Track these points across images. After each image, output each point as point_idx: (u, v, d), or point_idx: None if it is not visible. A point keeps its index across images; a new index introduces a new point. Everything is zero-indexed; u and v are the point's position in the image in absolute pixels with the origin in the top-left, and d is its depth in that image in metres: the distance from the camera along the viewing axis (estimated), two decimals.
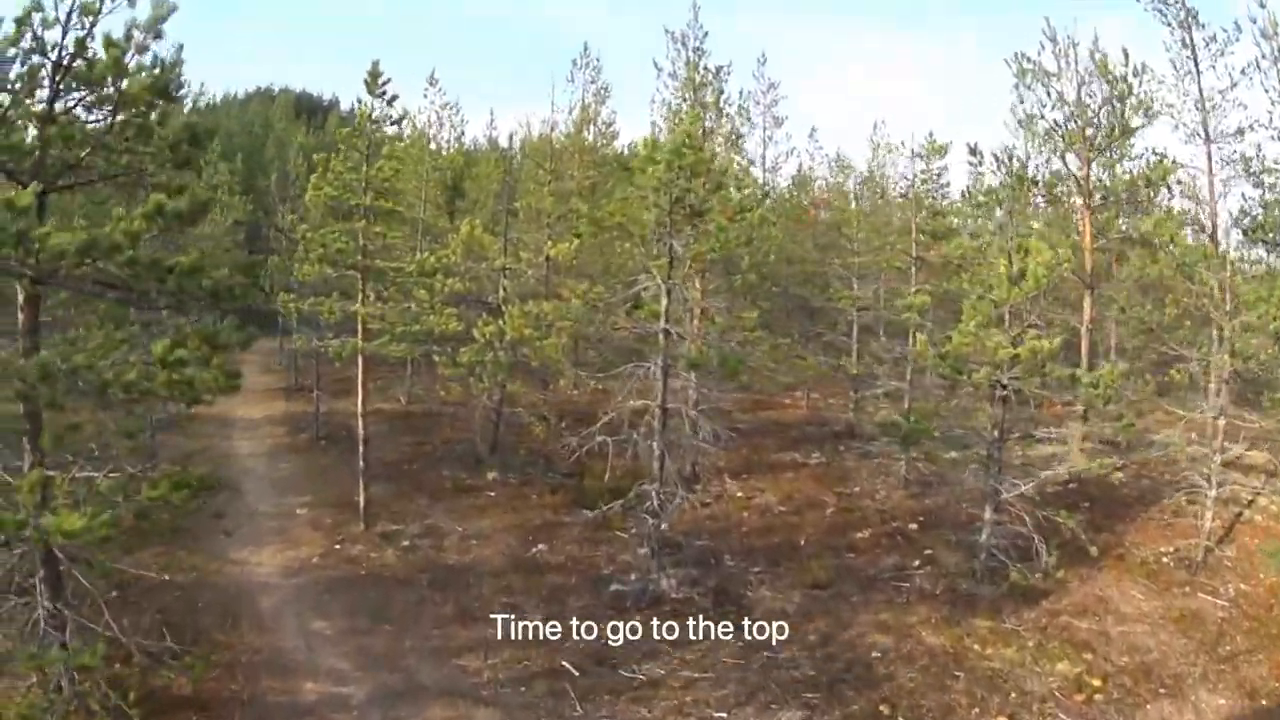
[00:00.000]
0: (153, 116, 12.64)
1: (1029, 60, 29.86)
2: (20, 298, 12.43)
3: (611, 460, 20.93)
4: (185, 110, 51.37)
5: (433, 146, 48.64)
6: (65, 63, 12.15)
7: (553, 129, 39.51)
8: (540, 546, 22.95)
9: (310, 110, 66.33)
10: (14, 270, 11.53)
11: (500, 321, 26.28)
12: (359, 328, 24.06)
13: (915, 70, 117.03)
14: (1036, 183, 31.10)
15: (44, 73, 12.22)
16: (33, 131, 12.18)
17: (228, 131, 58.80)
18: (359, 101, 23.61)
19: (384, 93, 23.39)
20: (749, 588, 20.74)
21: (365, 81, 23.19)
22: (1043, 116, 29.96)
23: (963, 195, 37.86)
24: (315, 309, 24.79)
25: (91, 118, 12.75)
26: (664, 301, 20.16)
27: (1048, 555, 19.59)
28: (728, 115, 34.99)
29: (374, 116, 23.61)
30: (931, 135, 32.97)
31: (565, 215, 33.38)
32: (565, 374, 29.21)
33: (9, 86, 11.87)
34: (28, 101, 11.99)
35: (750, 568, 21.84)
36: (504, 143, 55.29)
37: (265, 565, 21.22)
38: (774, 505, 26.35)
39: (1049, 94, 29.68)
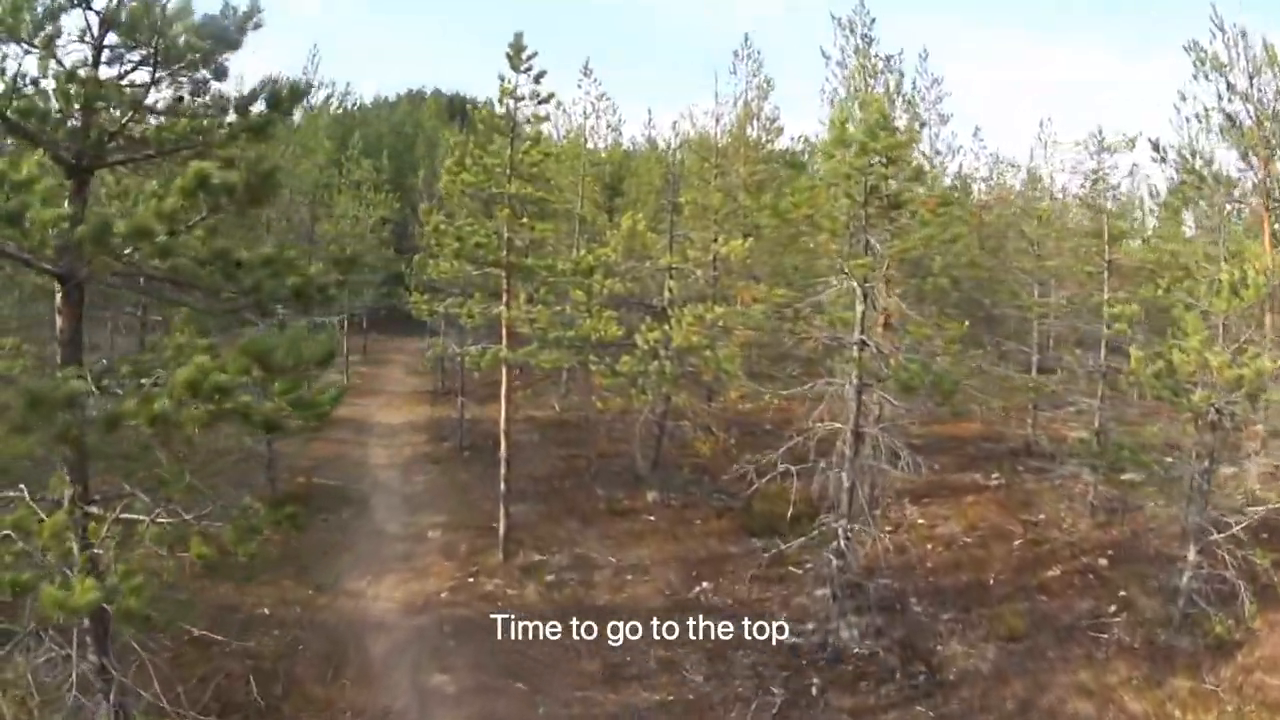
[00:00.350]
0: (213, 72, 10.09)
1: (1202, 50, 27.46)
2: (58, 298, 10.08)
3: (795, 493, 18.72)
4: (331, 110, 51.94)
5: (589, 145, 46.36)
6: (109, 16, 9.77)
7: (717, 121, 36.85)
8: (704, 585, 20.60)
9: (463, 111, 65.56)
10: (24, 260, 9.08)
11: (666, 326, 24.08)
12: (503, 332, 21.90)
13: (1060, 72, 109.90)
14: (1220, 181, 28.53)
15: (89, 31, 9.91)
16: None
17: (377, 132, 59.01)
18: (501, 79, 20.89)
19: (529, 68, 20.85)
20: (939, 639, 18.46)
21: (508, 55, 20.75)
22: (1220, 109, 27.59)
23: (1149, 194, 37.53)
24: (453, 310, 22.44)
25: (146, 79, 10.31)
26: (859, 307, 17.74)
27: (1250, 602, 17.76)
28: (905, 104, 32.73)
29: (518, 93, 21.02)
30: (1100, 131, 30.01)
31: (734, 212, 30.68)
32: (738, 386, 26.30)
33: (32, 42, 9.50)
34: (55, 61, 9.59)
35: (939, 614, 19.54)
36: (665, 135, 52.93)
37: (383, 599, 19.17)
38: (959, 535, 23.73)
39: (1227, 84, 27.29)
